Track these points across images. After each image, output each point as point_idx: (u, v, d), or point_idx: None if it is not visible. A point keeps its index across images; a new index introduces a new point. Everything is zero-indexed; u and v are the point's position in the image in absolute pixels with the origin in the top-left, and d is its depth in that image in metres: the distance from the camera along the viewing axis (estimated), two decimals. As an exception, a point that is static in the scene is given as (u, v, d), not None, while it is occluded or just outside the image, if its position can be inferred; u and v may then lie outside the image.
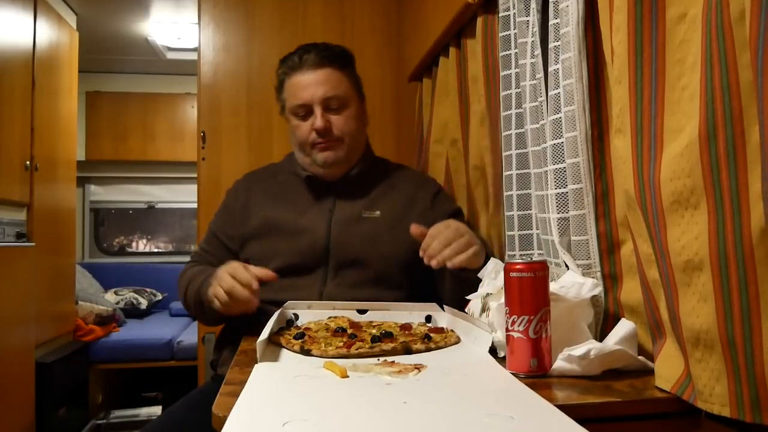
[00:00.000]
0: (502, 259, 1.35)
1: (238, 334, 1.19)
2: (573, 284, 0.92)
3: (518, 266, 0.84)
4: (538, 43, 1.14)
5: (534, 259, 1.03)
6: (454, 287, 1.20)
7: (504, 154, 1.35)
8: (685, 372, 0.73)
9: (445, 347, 1.00)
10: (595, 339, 0.88)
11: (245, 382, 0.77)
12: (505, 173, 1.34)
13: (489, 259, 1.11)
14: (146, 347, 3.29)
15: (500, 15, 1.32)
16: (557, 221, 1.06)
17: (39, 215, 2.64)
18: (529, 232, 1.29)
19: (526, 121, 1.20)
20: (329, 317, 1.18)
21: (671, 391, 0.74)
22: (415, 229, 1.19)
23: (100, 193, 4.44)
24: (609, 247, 0.97)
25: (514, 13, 1.26)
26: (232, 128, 2.28)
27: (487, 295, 1.02)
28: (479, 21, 1.43)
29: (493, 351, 0.92)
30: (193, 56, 2.49)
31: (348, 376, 0.81)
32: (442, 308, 1.18)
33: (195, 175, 2.29)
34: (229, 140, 2.28)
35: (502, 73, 1.33)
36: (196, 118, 2.30)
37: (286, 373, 0.84)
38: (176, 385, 3.12)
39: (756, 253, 0.62)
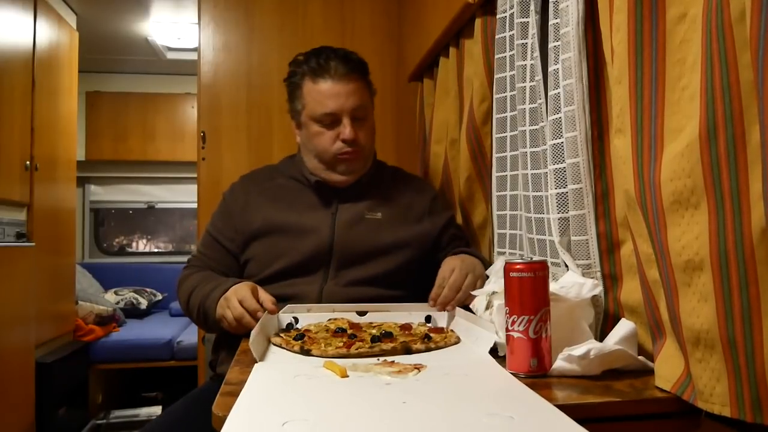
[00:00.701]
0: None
1: (237, 335, 1.19)
2: (573, 284, 0.92)
3: (518, 266, 0.84)
4: (537, 44, 1.14)
5: (534, 259, 1.03)
6: None
7: (497, 155, 1.35)
8: (686, 372, 0.73)
9: (445, 347, 1.00)
10: (595, 339, 0.88)
11: (245, 382, 0.77)
12: (497, 174, 1.35)
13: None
14: (146, 347, 3.29)
15: (498, 17, 1.32)
16: (557, 221, 1.06)
17: (39, 215, 2.64)
18: (519, 232, 1.30)
19: (524, 122, 1.20)
20: (329, 319, 1.18)
21: (671, 391, 0.74)
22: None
23: (100, 193, 4.44)
24: (609, 247, 0.97)
25: (512, 14, 1.26)
26: (232, 128, 2.28)
27: (493, 293, 1.02)
28: (478, 22, 1.43)
29: (494, 351, 0.92)
30: (193, 56, 2.49)
31: (348, 376, 0.81)
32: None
33: (195, 175, 2.28)
34: (229, 140, 2.27)
35: (496, 76, 1.34)
36: (196, 118, 2.30)
37: (286, 372, 0.84)
38: (176, 385, 3.12)
39: (756, 253, 0.62)
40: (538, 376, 0.82)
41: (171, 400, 1.66)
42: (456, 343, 1.03)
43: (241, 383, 0.77)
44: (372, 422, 0.64)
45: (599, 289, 0.92)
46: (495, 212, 1.38)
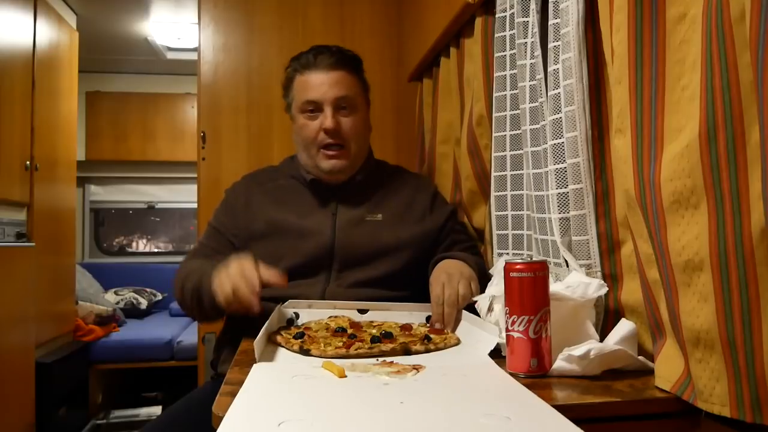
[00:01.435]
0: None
1: (238, 334, 1.19)
2: (579, 284, 0.91)
3: (518, 266, 0.84)
4: (538, 43, 1.14)
5: (534, 259, 1.03)
6: None
7: (495, 155, 1.35)
8: (685, 372, 0.73)
9: (445, 348, 1.00)
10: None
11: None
12: (495, 174, 1.35)
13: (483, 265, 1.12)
14: (146, 347, 3.29)
15: (497, 16, 1.32)
16: (558, 221, 1.06)
17: (39, 215, 2.64)
18: (525, 232, 1.30)
19: (525, 121, 1.20)
20: (330, 317, 1.18)
21: (671, 391, 0.74)
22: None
23: (100, 193, 4.44)
24: (609, 247, 0.97)
25: (512, 14, 1.26)
26: (232, 128, 2.28)
27: (493, 297, 1.02)
28: (478, 21, 1.43)
29: (497, 351, 0.92)
30: (193, 56, 2.49)
31: (346, 376, 0.81)
32: None
33: (195, 175, 2.28)
34: (229, 140, 2.27)
35: (496, 74, 1.34)
36: (196, 118, 2.30)
37: (284, 372, 0.84)
38: (176, 385, 3.12)
39: (756, 253, 0.62)
40: (538, 376, 0.82)
41: (171, 400, 1.66)
42: (456, 344, 1.03)
43: (241, 383, 0.77)
44: (369, 422, 0.64)
45: (605, 290, 0.91)
46: (494, 212, 1.38)
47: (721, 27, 0.64)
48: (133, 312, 3.78)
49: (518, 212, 1.32)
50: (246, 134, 2.29)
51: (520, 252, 1.31)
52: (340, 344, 0.97)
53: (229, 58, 2.31)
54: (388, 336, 1.02)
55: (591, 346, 0.81)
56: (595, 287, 0.91)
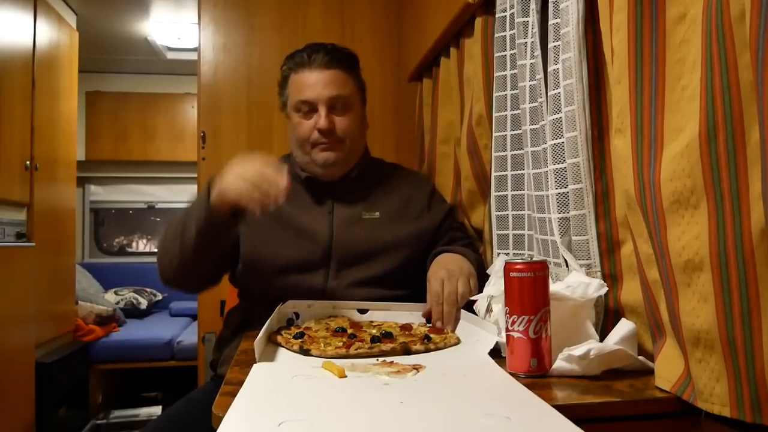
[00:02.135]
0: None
1: (238, 334, 1.19)
2: (579, 284, 0.91)
3: (518, 266, 0.84)
4: (538, 43, 1.14)
5: (534, 258, 1.03)
6: None
7: (495, 154, 1.35)
8: (685, 372, 0.73)
9: (445, 348, 1.00)
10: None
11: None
12: (495, 174, 1.35)
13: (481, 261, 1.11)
14: (146, 347, 3.29)
15: (497, 16, 1.32)
16: (558, 221, 1.06)
17: (39, 215, 2.64)
18: (526, 232, 1.30)
19: (525, 121, 1.20)
20: (330, 317, 1.18)
21: (671, 391, 0.74)
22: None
23: (100, 193, 4.44)
24: (609, 247, 0.97)
25: (512, 14, 1.26)
26: (232, 128, 2.28)
27: (491, 297, 1.02)
28: (478, 21, 1.43)
29: (497, 351, 0.92)
30: (193, 56, 2.49)
31: (346, 376, 0.81)
32: None
33: (195, 175, 2.29)
34: (229, 140, 2.27)
35: (496, 74, 1.34)
36: (196, 118, 2.30)
37: (284, 373, 0.84)
38: (176, 385, 3.12)
39: (756, 253, 0.62)
40: (537, 376, 0.82)
41: (171, 400, 1.66)
42: (456, 344, 1.03)
43: (241, 383, 0.77)
44: (369, 422, 0.64)
45: (605, 290, 0.91)
46: (494, 213, 1.38)
47: (721, 27, 0.64)
48: (133, 312, 3.78)
49: (519, 212, 1.31)
50: (246, 134, 2.29)
51: (521, 252, 1.31)
52: (340, 344, 0.97)
53: (229, 58, 2.31)
54: (388, 336, 1.02)
55: (591, 346, 0.81)
56: (595, 287, 0.91)
